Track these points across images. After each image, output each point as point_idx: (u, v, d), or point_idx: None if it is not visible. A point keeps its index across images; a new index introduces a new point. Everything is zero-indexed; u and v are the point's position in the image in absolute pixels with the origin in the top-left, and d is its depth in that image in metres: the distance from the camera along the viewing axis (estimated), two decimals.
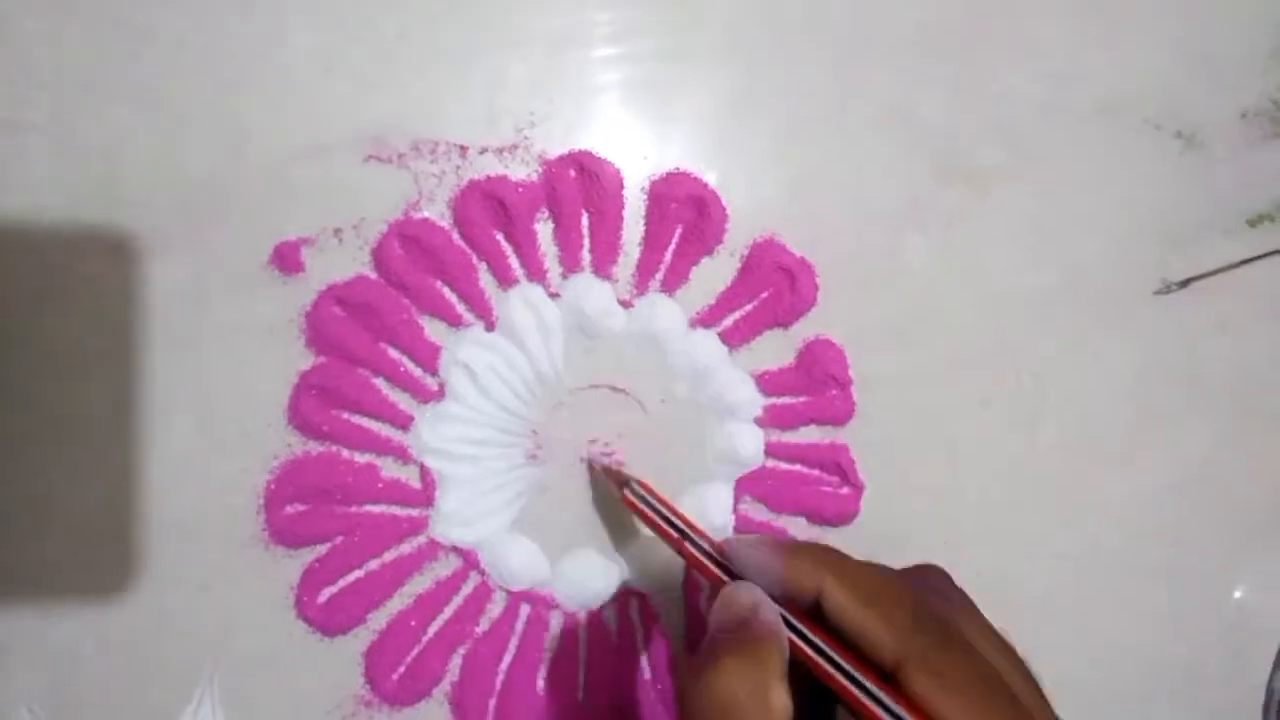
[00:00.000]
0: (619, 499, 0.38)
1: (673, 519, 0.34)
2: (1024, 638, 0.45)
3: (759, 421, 0.43)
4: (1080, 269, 0.45)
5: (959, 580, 0.30)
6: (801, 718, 0.27)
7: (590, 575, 0.41)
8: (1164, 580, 0.47)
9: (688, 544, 0.33)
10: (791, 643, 0.27)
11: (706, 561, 0.31)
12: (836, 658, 0.26)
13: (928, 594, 0.28)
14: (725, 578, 0.30)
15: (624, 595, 0.42)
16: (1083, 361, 0.46)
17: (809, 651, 0.26)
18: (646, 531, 0.41)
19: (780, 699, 0.26)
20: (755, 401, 0.43)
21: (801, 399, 0.43)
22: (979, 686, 0.25)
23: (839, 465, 0.43)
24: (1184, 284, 0.46)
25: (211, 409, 0.39)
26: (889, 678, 0.25)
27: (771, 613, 0.27)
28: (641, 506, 0.37)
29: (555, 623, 0.42)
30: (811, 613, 0.27)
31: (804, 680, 0.27)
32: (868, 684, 0.25)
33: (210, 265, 0.39)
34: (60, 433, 0.38)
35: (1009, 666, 0.27)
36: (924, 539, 0.44)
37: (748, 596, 0.28)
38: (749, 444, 0.43)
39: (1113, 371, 0.46)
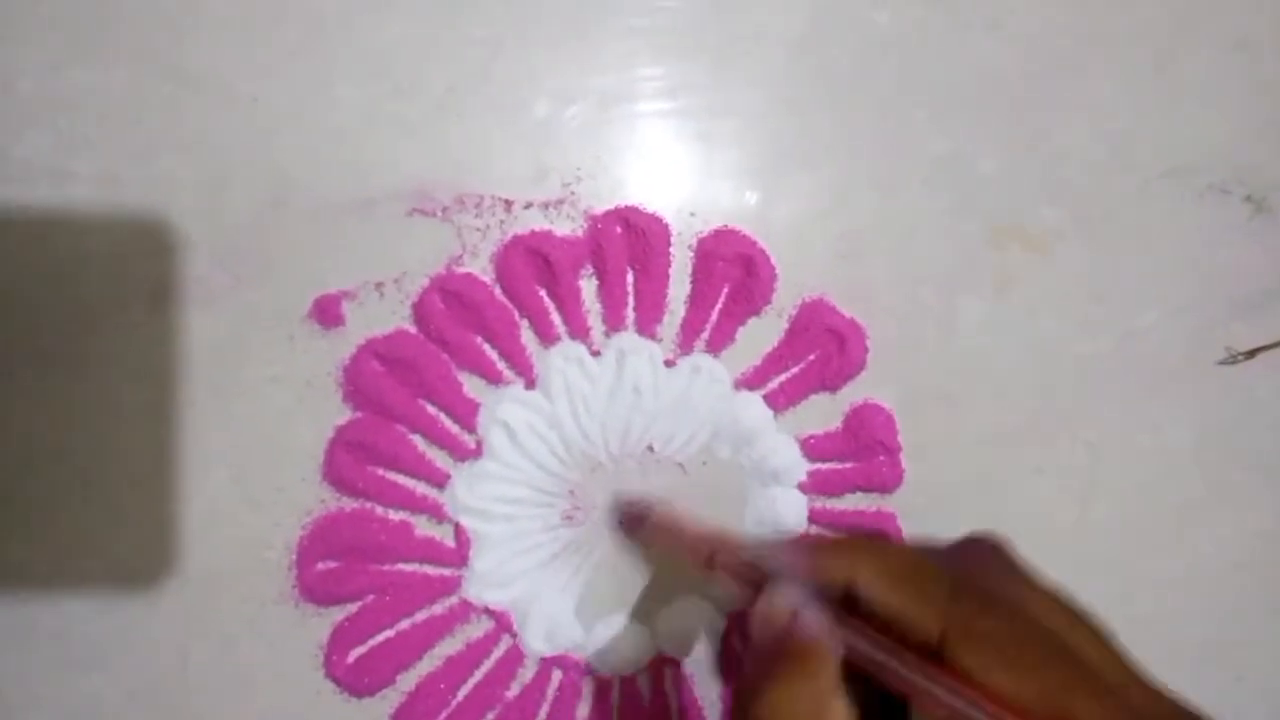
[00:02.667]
0: (641, 541, 0.37)
1: (696, 542, 0.33)
2: None
3: (803, 487, 0.42)
4: (1140, 336, 0.44)
5: None
6: (868, 716, 0.26)
7: (624, 641, 0.40)
8: (1218, 662, 0.45)
9: (718, 560, 0.31)
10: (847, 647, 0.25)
11: (738, 577, 0.30)
12: (877, 645, 0.25)
13: (968, 564, 0.27)
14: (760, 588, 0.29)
15: (658, 663, 0.41)
16: (1141, 432, 0.44)
17: (862, 648, 0.25)
18: (682, 599, 0.40)
19: (840, 714, 0.24)
20: (800, 466, 0.42)
21: (848, 465, 0.42)
22: (1028, 647, 0.24)
23: (885, 535, 0.42)
24: (1251, 354, 0.44)
25: (247, 461, 0.38)
26: (937, 656, 0.24)
27: (812, 616, 0.26)
28: (662, 537, 0.35)
29: (587, 690, 0.40)
30: (850, 605, 0.26)
31: (866, 680, 0.25)
32: (901, 669, 0.24)
33: (250, 316, 0.38)
34: (95, 481, 0.38)
35: (1066, 624, 0.25)
36: None
37: (784, 602, 0.26)
38: (792, 510, 0.41)
39: (1172, 443, 0.44)
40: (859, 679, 0.25)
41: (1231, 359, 0.44)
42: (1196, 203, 0.44)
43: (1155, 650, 0.44)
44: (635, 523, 0.40)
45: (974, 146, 0.43)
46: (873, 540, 0.26)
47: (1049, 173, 0.43)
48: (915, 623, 0.24)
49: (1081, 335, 0.43)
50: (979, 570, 0.27)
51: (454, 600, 0.40)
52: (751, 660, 0.26)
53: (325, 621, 0.39)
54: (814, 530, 0.42)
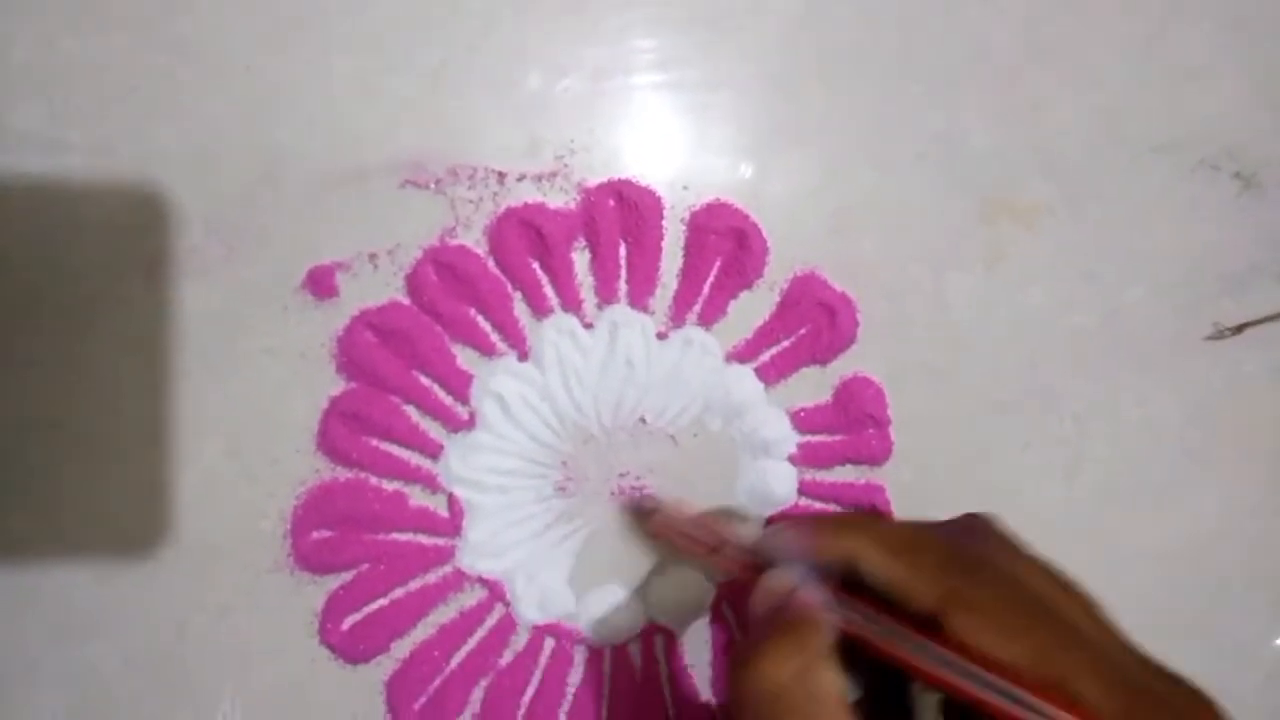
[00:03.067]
0: (647, 533, 0.38)
1: (701, 533, 0.34)
2: None
3: (793, 459, 0.42)
4: (1129, 311, 0.44)
5: None
6: (872, 696, 0.27)
7: (616, 610, 0.41)
8: (1201, 633, 0.46)
9: (722, 553, 0.33)
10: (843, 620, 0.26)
11: (743, 565, 0.31)
12: (874, 618, 0.26)
13: (963, 538, 0.28)
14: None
15: (649, 632, 0.41)
16: (1128, 406, 0.44)
17: (857, 621, 0.26)
18: (673, 568, 0.41)
19: (828, 680, 0.25)
20: (790, 439, 0.42)
21: (837, 437, 0.42)
22: (1020, 614, 0.25)
23: (874, 506, 0.42)
24: (1238, 329, 0.45)
25: (241, 432, 0.39)
26: (936, 626, 0.25)
27: (810, 592, 0.27)
28: (669, 531, 0.36)
29: (579, 658, 0.41)
30: (853, 582, 0.27)
31: (868, 659, 0.26)
32: (897, 640, 0.25)
33: (244, 288, 0.38)
34: (91, 453, 0.38)
35: (1057, 594, 0.26)
36: None
37: (782, 580, 0.28)
38: (782, 482, 0.42)
39: (1159, 417, 0.45)
40: (862, 659, 0.26)
41: (1219, 334, 0.45)
42: (1186, 179, 0.44)
43: (1140, 621, 0.45)
44: (644, 515, 0.40)
45: (967, 121, 0.43)
46: (870, 517, 0.27)
47: (1040, 147, 0.43)
48: (913, 594, 0.25)
49: (1070, 309, 0.44)
50: (973, 544, 0.27)
51: (448, 569, 0.40)
52: (746, 632, 0.27)
53: (320, 590, 0.39)
54: (804, 502, 0.42)
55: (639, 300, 0.41)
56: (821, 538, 0.27)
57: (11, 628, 0.37)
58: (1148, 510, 0.45)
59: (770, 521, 0.42)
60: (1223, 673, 0.45)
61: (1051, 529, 0.44)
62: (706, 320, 0.41)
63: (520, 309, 0.40)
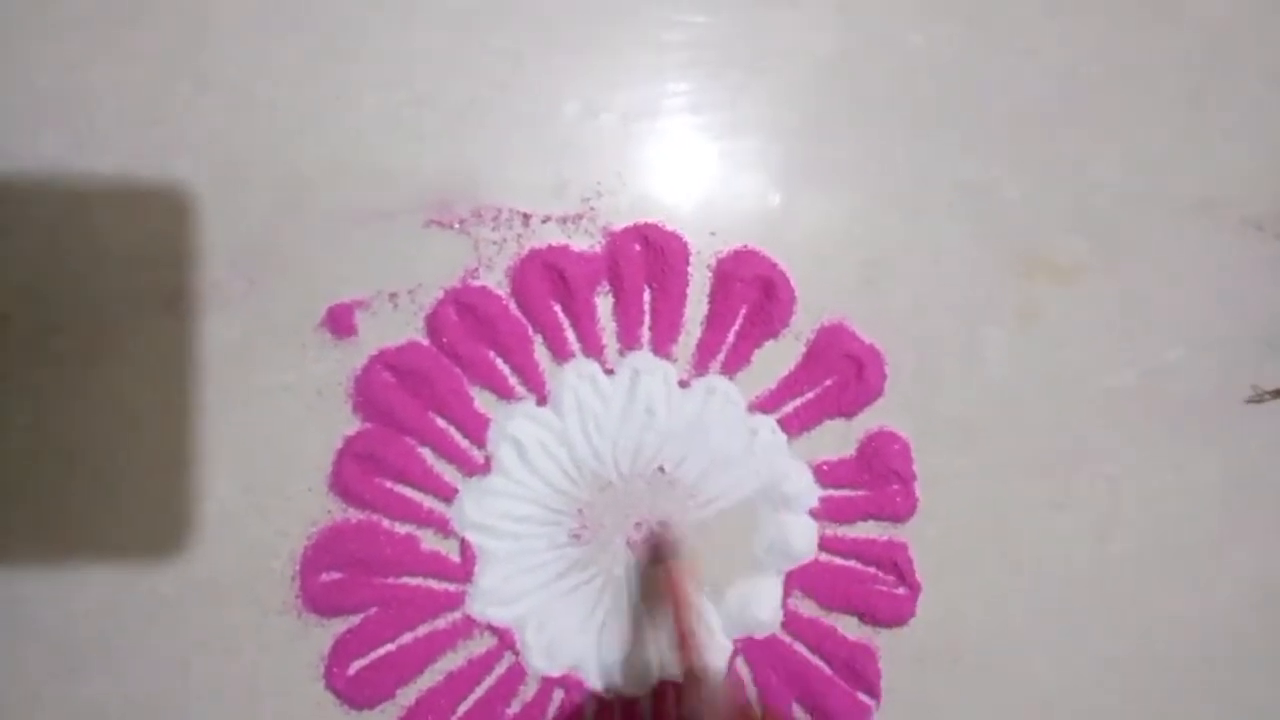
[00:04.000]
0: (652, 576, 0.37)
1: (683, 614, 0.35)
2: None
3: (814, 514, 0.41)
4: (1166, 372, 0.43)
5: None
6: None
7: (628, 663, 0.40)
8: (1233, 704, 0.44)
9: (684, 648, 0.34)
10: None
11: (688, 671, 0.34)
12: None
13: None
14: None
15: (662, 686, 0.40)
16: (1163, 469, 0.43)
17: None
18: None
19: None
20: (811, 492, 0.41)
21: (861, 493, 0.41)
22: None
23: (896, 564, 0.41)
24: (1277, 393, 0.43)
25: (254, 469, 0.38)
26: None
27: None
28: (672, 587, 0.36)
29: (589, 710, 0.40)
30: None
31: None
32: None
33: (263, 324, 0.38)
34: (103, 483, 0.37)
35: None
36: (979, 647, 0.42)
37: None
38: (802, 536, 0.41)
39: (1195, 481, 0.43)
40: None
41: (1259, 398, 0.43)
42: (1227, 238, 0.43)
43: (1169, 690, 0.43)
44: (655, 555, 0.39)
45: (1003, 173, 0.42)
46: None
47: (1078, 202, 0.42)
48: None
49: (1106, 369, 0.43)
50: None
51: (457, 615, 0.39)
52: None
53: (327, 633, 0.39)
54: (824, 558, 0.41)
55: (662, 347, 0.40)
56: None
57: (14, 659, 0.37)
58: (1181, 576, 0.43)
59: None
60: None
61: (1080, 592, 0.43)
62: (730, 369, 0.40)
63: (540, 353, 0.40)
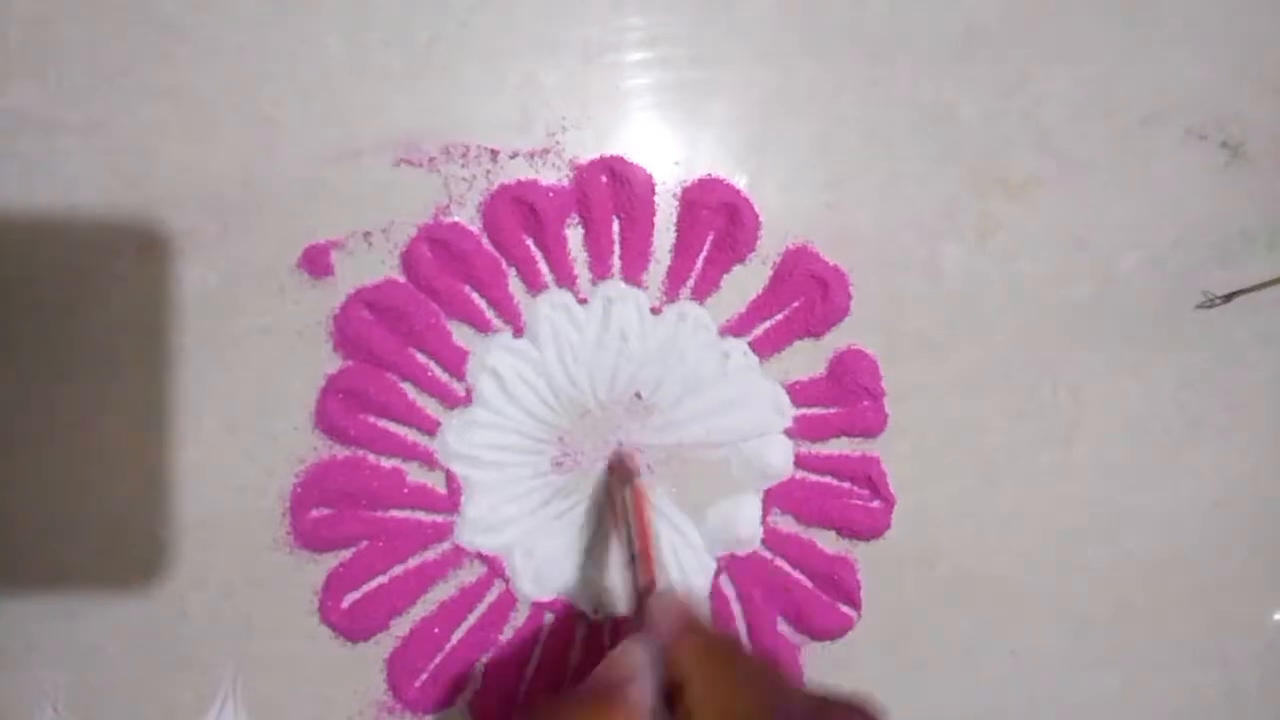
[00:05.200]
0: (618, 495, 0.38)
1: (634, 538, 0.36)
2: (1056, 657, 0.44)
3: (789, 433, 0.42)
4: (1119, 281, 0.44)
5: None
6: None
7: (615, 584, 0.41)
8: (1200, 601, 0.46)
9: (631, 566, 0.35)
10: None
11: (640, 588, 0.34)
12: None
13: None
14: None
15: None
16: (1120, 375, 0.45)
17: None
18: (673, 541, 0.41)
19: None
20: (786, 412, 0.42)
21: (833, 410, 0.43)
22: None
23: (870, 478, 0.43)
24: (1227, 298, 0.45)
25: (239, 411, 0.39)
26: None
27: (642, 692, 0.28)
28: (636, 507, 0.37)
29: (580, 632, 0.41)
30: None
31: None
32: None
33: (240, 267, 0.39)
34: (88, 432, 0.38)
35: None
36: (954, 554, 0.43)
37: (632, 664, 0.29)
38: (779, 456, 0.42)
39: (1151, 386, 0.45)
40: None
41: (1209, 303, 0.45)
42: (1174, 149, 0.45)
43: (1139, 591, 0.45)
44: (619, 477, 0.40)
45: (957, 94, 0.43)
46: (723, 667, 0.28)
47: (1028, 120, 0.44)
48: None
49: (1063, 281, 0.44)
50: None
51: (446, 546, 0.40)
52: (591, 675, 0.28)
53: (320, 568, 0.39)
54: (800, 475, 0.42)
55: (632, 275, 0.41)
56: (672, 654, 0.28)
57: (11, 606, 0.37)
58: (1145, 478, 0.45)
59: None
60: (1223, 641, 0.46)
61: (1048, 497, 0.44)
62: (700, 295, 0.41)
63: (515, 285, 0.40)
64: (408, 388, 0.40)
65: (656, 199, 0.41)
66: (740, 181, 0.42)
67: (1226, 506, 0.46)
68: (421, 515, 0.40)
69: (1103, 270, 0.44)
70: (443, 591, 0.40)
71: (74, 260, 0.38)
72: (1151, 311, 0.45)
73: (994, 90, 0.43)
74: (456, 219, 0.40)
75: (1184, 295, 0.45)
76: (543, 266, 0.40)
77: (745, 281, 0.42)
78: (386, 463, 0.40)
